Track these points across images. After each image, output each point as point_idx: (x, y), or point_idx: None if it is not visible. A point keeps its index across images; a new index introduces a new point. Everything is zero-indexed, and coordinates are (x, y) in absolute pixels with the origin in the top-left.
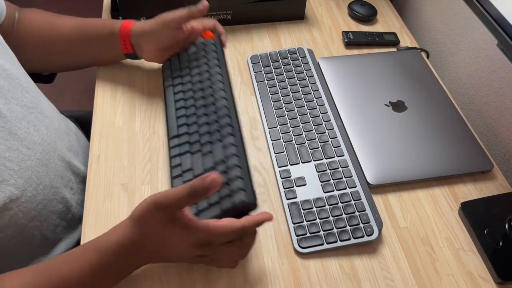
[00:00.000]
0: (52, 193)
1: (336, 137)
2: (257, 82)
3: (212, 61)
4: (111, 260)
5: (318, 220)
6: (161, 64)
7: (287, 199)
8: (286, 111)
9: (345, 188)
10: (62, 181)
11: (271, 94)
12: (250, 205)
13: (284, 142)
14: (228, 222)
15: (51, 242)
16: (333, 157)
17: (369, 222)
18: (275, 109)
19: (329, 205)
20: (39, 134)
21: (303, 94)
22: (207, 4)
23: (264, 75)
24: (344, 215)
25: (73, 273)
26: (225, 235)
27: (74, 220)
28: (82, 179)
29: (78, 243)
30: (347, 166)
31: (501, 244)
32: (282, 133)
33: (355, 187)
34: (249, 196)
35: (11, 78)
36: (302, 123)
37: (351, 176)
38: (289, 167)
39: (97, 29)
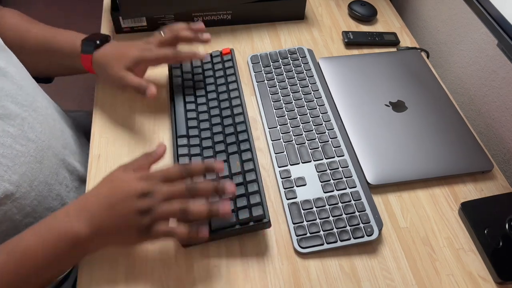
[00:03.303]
0: (46, 189)
1: (336, 137)
2: (257, 82)
3: (229, 76)
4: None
5: (318, 220)
6: (163, 65)
7: (287, 199)
8: (286, 111)
9: (345, 188)
10: (57, 178)
11: (271, 94)
12: (264, 222)
13: (284, 142)
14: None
15: None
16: (333, 157)
17: (369, 222)
18: (275, 109)
19: (329, 205)
20: (33, 132)
21: (303, 94)
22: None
23: (264, 75)
24: (344, 215)
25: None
26: (168, 172)
27: None
28: (77, 177)
29: None
30: (347, 166)
31: (501, 244)
32: (282, 133)
33: (355, 187)
34: (266, 212)
35: (6, 76)
36: (302, 123)
37: (351, 176)
38: (289, 167)
39: (61, 47)
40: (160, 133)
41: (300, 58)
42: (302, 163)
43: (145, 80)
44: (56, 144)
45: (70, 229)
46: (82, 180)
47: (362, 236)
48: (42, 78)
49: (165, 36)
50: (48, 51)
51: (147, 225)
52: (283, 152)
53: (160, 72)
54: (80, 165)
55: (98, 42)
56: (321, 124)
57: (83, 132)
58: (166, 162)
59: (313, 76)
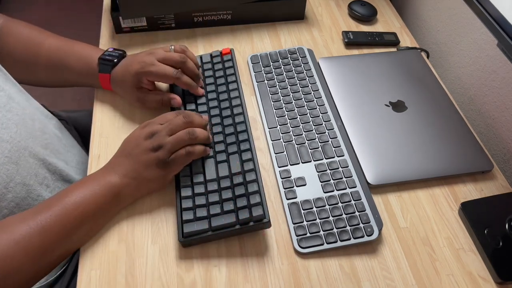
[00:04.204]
0: (25, 191)
1: (336, 137)
2: (257, 82)
3: (229, 76)
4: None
5: (318, 220)
6: None
7: (287, 199)
8: (286, 111)
9: (345, 188)
10: (36, 178)
11: (271, 94)
12: (264, 222)
13: (284, 142)
14: None
15: None
16: (333, 157)
17: (369, 222)
18: (275, 109)
19: (329, 205)
20: (7, 132)
21: (303, 94)
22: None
23: (264, 75)
24: (344, 215)
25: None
26: (165, 116)
27: None
28: (60, 177)
29: None
30: (347, 166)
31: (501, 244)
32: (282, 133)
33: (355, 187)
34: (266, 212)
35: None
36: (302, 123)
37: (351, 176)
38: (289, 167)
39: (76, 69)
40: None
41: (300, 58)
42: (302, 163)
43: (162, 93)
44: (34, 144)
45: (108, 181)
46: (66, 180)
47: (362, 236)
48: None
49: (172, 55)
50: (62, 70)
51: (163, 158)
52: (283, 152)
53: None
54: (65, 164)
55: (115, 60)
56: (321, 124)
57: (80, 132)
58: None
59: (313, 76)
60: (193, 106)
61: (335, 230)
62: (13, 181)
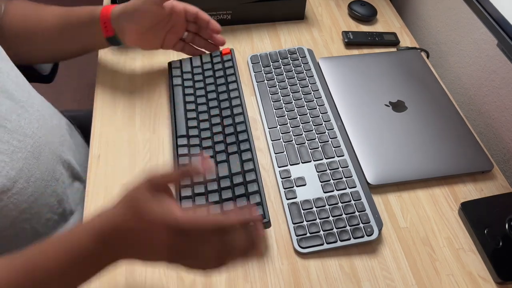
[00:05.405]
0: (43, 186)
1: (336, 137)
2: (257, 82)
3: (229, 76)
4: (90, 246)
5: (318, 220)
6: (163, 64)
7: (287, 199)
8: (286, 111)
9: (345, 188)
10: (53, 174)
11: (271, 94)
12: (264, 222)
13: (284, 142)
14: (214, 216)
15: (42, 236)
16: (333, 157)
17: (369, 222)
18: (275, 109)
19: (329, 205)
20: (30, 127)
21: (303, 94)
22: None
23: (264, 75)
24: (344, 215)
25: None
26: (206, 228)
27: (65, 214)
28: (72, 174)
29: None
30: (347, 166)
31: (501, 244)
32: (282, 133)
33: (355, 187)
34: (266, 212)
35: (1, 72)
36: (302, 123)
37: (351, 176)
38: (289, 167)
39: (78, 16)
40: (160, 133)
41: (300, 58)
42: (302, 163)
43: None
44: (53, 140)
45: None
46: (77, 178)
47: (362, 236)
48: (43, 77)
49: (186, 5)
50: (67, 24)
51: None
52: (283, 152)
53: (159, 72)
54: (75, 162)
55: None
56: (321, 124)
57: (81, 132)
58: (166, 159)
59: (313, 76)
60: (193, 106)
61: (335, 230)
62: (34, 175)
